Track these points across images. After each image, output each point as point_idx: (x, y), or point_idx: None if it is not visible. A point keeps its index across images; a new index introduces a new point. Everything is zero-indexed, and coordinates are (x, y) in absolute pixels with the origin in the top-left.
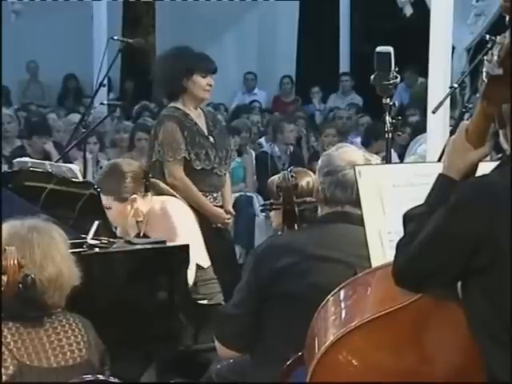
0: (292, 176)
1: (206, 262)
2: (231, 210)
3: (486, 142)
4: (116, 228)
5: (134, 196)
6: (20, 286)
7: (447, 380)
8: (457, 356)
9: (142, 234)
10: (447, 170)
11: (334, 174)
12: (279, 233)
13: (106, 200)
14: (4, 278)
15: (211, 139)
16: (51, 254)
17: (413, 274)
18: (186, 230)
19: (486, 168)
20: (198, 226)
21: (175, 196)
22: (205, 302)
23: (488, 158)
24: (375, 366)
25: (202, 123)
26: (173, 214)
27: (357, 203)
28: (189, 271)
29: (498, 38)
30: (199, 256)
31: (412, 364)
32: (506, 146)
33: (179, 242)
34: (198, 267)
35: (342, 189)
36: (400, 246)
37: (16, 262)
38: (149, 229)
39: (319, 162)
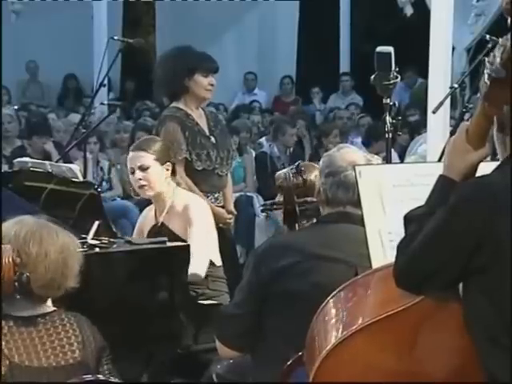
0: (301, 170)
1: (218, 261)
2: (233, 209)
3: (487, 142)
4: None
5: (169, 163)
6: (16, 284)
7: (449, 381)
8: (458, 357)
9: (159, 224)
10: (447, 171)
11: (336, 175)
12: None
13: (143, 158)
14: None
15: (212, 139)
16: (45, 247)
17: (414, 274)
18: (204, 232)
19: (486, 168)
20: (214, 225)
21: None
22: (210, 301)
23: (488, 158)
24: (377, 369)
25: (203, 123)
26: (194, 216)
27: (358, 204)
28: (201, 266)
29: (501, 39)
30: (213, 253)
31: (414, 366)
32: (499, 149)
33: (194, 242)
34: (211, 263)
35: (343, 189)
36: (401, 248)
37: (11, 260)
38: (168, 221)
39: (320, 162)
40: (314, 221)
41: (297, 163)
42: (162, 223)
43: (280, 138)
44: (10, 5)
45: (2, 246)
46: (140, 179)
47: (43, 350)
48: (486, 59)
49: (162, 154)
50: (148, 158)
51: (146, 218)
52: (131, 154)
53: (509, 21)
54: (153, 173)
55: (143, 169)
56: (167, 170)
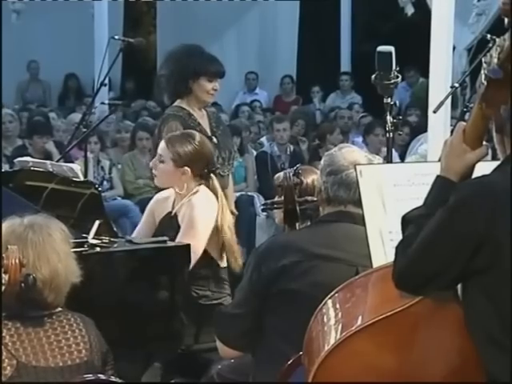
0: (298, 173)
1: (222, 262)
2: (234, 210)
3: (484, 142)
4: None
5: (187, 169)
6: (22, 285)
7: (448, 381)
8: (458, 357)
9: (172, 214)
10: (445, 172)
11: (337, 174)
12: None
13: (163, 151)
14: (5, 276)
15: (214, 140)
16: (46, 254)
17: (414, 276)
18: (206, 233)
19: (485, 168)
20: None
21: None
22: (212, 302)
23: (489, 157)
24: (376, 369)
25: (205, 124)
26: (198, 217)
27: (359, 203)
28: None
29: (497, 40)
30: (216, 252)
31: (413, 366)
32: (498, 149)
33: (197, 241)
34: (215, 264)
35: (345, 188)
36: (399, 249)
37: (18, 261)
38: (178, 213)
39: (322, 161)
40: (309, 223)
41: (295, 166)
42: (175, 214)
43: (273, 135)
44: (11, 4)
45: (9, 247)
46: (152, 168)
47: (50, 349)
48: (483, 59)
49: (181, 158)
50: (165, 155)
51: (160, 203)
52: (162, 142)
53: (506, 21)
54: (162, 168)
55: (159, 160)
56: (183, 174)
